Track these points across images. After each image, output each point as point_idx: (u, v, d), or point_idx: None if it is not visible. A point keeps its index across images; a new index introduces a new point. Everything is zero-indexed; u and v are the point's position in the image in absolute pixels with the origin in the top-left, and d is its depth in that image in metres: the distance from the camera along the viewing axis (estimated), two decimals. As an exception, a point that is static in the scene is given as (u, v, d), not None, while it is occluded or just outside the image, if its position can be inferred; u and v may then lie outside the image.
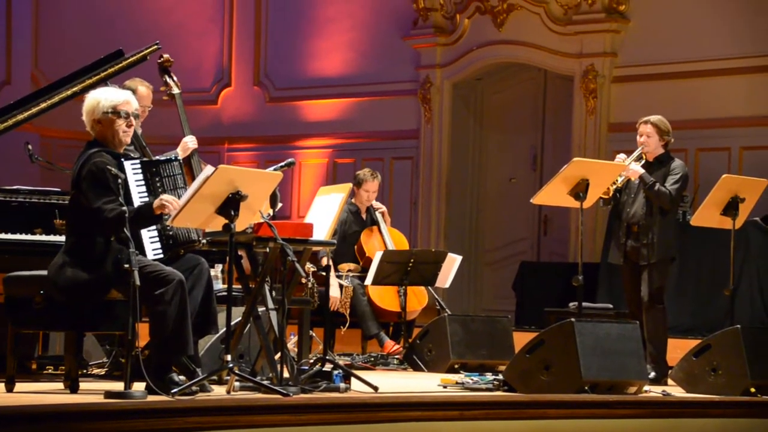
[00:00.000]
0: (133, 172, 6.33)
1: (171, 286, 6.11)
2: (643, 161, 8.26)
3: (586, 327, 6.96)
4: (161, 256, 6.44)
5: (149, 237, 6.40)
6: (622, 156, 8.23)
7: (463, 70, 13.68)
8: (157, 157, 6.61)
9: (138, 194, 6.35)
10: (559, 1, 12.97)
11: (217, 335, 6.88)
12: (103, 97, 6.30)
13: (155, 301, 6.10)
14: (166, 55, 7.86)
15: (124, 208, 6.01)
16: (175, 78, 7.90)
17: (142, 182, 6.38)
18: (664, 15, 12.51)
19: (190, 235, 6.52)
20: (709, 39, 12.22)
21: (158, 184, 6.41)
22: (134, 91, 7.66)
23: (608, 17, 12.69)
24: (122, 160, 6.28)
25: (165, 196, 6.17)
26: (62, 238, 6.93)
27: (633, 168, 8.18)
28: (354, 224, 9.56)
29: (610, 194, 8.14)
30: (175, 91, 7.87)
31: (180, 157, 7.94)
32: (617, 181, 8.15)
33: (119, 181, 6.09)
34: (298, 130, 14.63)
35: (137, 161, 6.40)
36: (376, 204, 9.65)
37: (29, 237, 7.12)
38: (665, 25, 12.48)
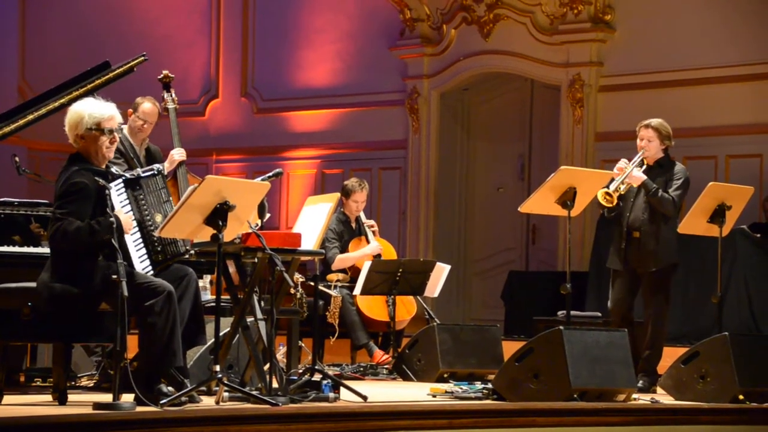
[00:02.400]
0: (117, 193, 6.25)
1: (161, 297, 6.09)
2: (644, 166, 8.24)
3: (575, 335, 6.96)
4: (151, 271, 6.40)
5: (138, 256, 6.34)
6: (624, 162, 8.19)
7: (450, 80, 13.70)
8: (138, 171, 6.51)
9: (125, 214, 6.29)
10: (546, 11, 13.01)
11: (206, 346, 6.88)
12: (87, 113, 6.21)
13: (145, 313, 6.08)
14: (165, 71, 8.29)
15: (82, 223, 6.01)
16: (173, 94, 8.30)
17: (127, 202, 6.32)
18: (650, 25, 12.55)
19: (178, 248, 6.48)
20: (694, 48, 12.26)
21: (142, 202, 6.37)
22: (136, 105, 7.85)
23: (594, 27, 12.74)
24: (107, 184, 6.15)
25: (123, 221, 6.13)
26: (48, 250, 6.94)
27: (635, 174, 8.15)
28: (344, 233, 9.57)
29: (614, 203, 8.08)
30: (170, 105, 8.24)
31: (166, 170, 8.00)
32: (621, 188, 8.11)
33: (107, 192, 6.08)
34: (285, 141, 14.64)
35: (120, 181, 6.31)
36: (368, 221, 9.66)
37: (16, 249, 7.11)
38: (651, 34, 12.52)
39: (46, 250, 6.98)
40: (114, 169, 6.39)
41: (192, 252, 6.62)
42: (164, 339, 6.09)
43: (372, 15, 14.21)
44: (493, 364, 8.44)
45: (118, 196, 6.27)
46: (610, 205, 8.07)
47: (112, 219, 6.02)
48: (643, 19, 12.59)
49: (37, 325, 6.20)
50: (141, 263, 6.32)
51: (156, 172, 6.50)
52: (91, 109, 6.23)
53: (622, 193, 8.14)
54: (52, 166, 12.75)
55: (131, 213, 6.31)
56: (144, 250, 6.36)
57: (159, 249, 6.38)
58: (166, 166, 8.04)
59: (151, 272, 6.35)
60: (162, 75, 8.31)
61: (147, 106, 7.98)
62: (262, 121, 14.88)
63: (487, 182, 13.87)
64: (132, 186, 6.36)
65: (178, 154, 8.12)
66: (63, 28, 15.02)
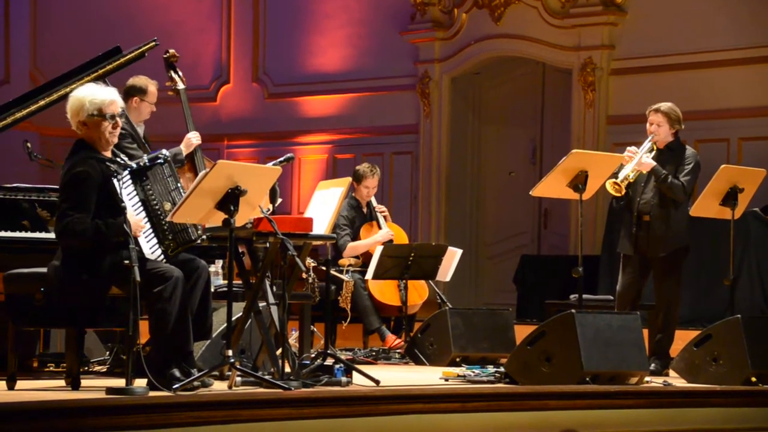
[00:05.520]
0: (124, 187, 6.19)
1: (170, 282, 6.09)
2: (654, 151, 8.22)
3: (587, 318, 6.97)
4: (163, 259, 6.36)
5: (149, 246, 6.30)
6: (632, 149, 8.16)
7: (462, 65, 13.68)
8: (144, 159, 6.37)
9: (132, 206, 6.24)
10: (557, -6, 12.99)
11: (218, 332, 6.89)
12: (88, 99, 6.19)
13: (155, 299, 6.09)
14: (171, 51, 7.97)
15: (90, 222, 6.01)
16: (180, 73, 7.98)
17: (134, 194, 6.27)
18: (661, 7, 12.51)
19: (190, 236, 6.41)
20: (706, 30, 12.22)
21: (150, 192, 6.31)
22: (146, 90, 7.67)
23: (605, 10, 12.69)
24: (111, 179, 6.12)
25: (133, 224, 6.10)
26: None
27: (645, 161, 8.12)
28: (356, 219, 9.58)
29: (623, 192, 8.06)
30: (180, 86, 7.96)
31: (183, 153, 7.94)
32: (630, 176, 8.08)
33: (114, 179, 6.07)
34: (297, 126, 14.64)
35: (126, 174, 6.22)
36: (380, 207, 9.66)
37: (29, 234, 7.13)
38: (662, 17, 12.48)
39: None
40: (120, 158, 6.30)
41: (204, 237, 6.61)
42: (174, 324, 6.09)
43: (382, -1, 14.20)
44: (505, 348, 8.44)
45: (125, 188, 6.20)
46: (619, 195, 8.05)
47: (121, 222, 6.00)
48: (655, 2, 12.55)
49: (49, 311, 6.22)
50: (153, 254, 6.29)
51: (163, 160, 6.39)
52: (92, 95, 6.21)
53: (631, 181, 8.12)
54: (64, 152, 12.69)
55: (140, 207, 6.27)
56: (155, 240, 6.32)
57: (170, 237, 6.34)
58: (183, 150, 7.94)
59: (164, 261, 6.32)
60: (168, 54, 7.96)
61: (153, 89, 7.74)
62: (274, 106, 14.88)
63: (498, 166, 13.85)
64: (139, 177, 6.30)
65: (195, 137, 7.91)
66: (74, 14, 15.02)
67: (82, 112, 6.20)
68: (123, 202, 6.03)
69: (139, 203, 6.28)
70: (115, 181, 6.11)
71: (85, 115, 6.19)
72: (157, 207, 6.30)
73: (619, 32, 12.73)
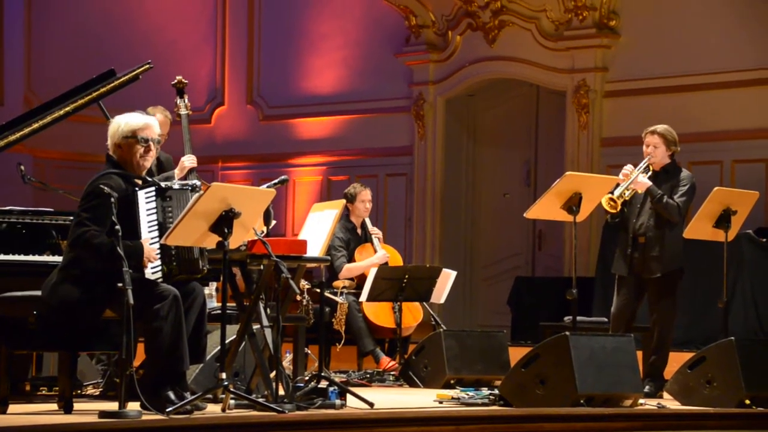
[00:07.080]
0: (146, 201, 6.26)
1: (167, 301, 6.09)
2: (650, 172, 8.24)
3: (581, 340, 6.96)
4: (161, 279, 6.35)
5: (152, 266, 6.29)
6: (629, 167, 8.18)
7: (456, 87, 13.71)
8: (174, 184, 6.50)
9: (148, 223, 6.27)
10: (551, 17, 13.02)
11: (212, 354, 6.88)
12: (123, 122, 6.38)
13: (151, 317, 6.08)
14: (179, 77, 8.22)
15: (106, 239, 6.03)
16: (186, 100, 8.23)
17: (154, 211, 6.31)
18: (655, 30, 12.55)
19: (194, 266, 6.37)
20: (699, 53, 12.26)
21: (169, 213, 6.33)
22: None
23: (599, 33, 12.74)
24: (136, 189, 6.25)
25: (146, 252, 6.17)
26: (54, 258, 6.95)
27: (640, 180, 8.14)
28: (351, 241, 9.58)
29: (618, 209, 8.07)
30: (183, 112, 8.19)
31: (176, 176, 7.99)
32: (625, 194, 8.10)
33: (112, 200, 6.08)
34: (291, 148, 14.65)
35: (152, 189, 6.31)
36: (374, 229, 9.66)
37: (21, 257, 7.12)
38: (656, 39, 12.52)
39: (52, 258, 7.01)
40: (150, 179, 6.41)
41: (206, 268, 6.55)
42: (170, 343, 6.09)
43: (377, 21, 14.23)
44: (499, 370, 8.44)
45: (147, 203, 6.28)
46: (614, 211, 8.06)
47: (138, 246, 6.09)
48: (648, 25, 12.59)
49: (42, 334, 6.20)
50: (153, 274, 6.28)
51: (190, 188, 6.48)
52: (127, 120, 6.42)
53: (627, 199, 8.13)
54: (58, 175, 12.80)
55: (155, 225, 6.29)
56: (159, 262, 6.30)
57: (174, 263, 6.33)
58: (177, 173, 8.02)
59: (161, 281, 6.32)
60: (176, 80, 8.25)
61: (160, 117, 7.86)
62: (268, 128, 14.89)
63: (493, 188, 13.86)
64: (162, 195, 6.36)
65: (188, 160, 8.05)
66: (68, 36, 15.03)
67: (117, 134, 6.38)
68: (117, 224, 6.03)
69: (155, 222, 6.30)
70: (138, 191, 6.21)
71: (120, 137, 6.36)
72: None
73: (613, 55, 12.77)
